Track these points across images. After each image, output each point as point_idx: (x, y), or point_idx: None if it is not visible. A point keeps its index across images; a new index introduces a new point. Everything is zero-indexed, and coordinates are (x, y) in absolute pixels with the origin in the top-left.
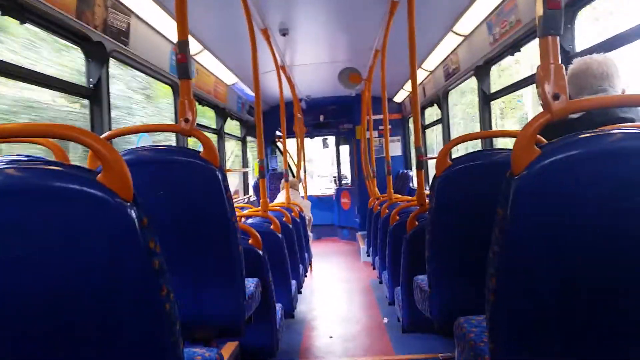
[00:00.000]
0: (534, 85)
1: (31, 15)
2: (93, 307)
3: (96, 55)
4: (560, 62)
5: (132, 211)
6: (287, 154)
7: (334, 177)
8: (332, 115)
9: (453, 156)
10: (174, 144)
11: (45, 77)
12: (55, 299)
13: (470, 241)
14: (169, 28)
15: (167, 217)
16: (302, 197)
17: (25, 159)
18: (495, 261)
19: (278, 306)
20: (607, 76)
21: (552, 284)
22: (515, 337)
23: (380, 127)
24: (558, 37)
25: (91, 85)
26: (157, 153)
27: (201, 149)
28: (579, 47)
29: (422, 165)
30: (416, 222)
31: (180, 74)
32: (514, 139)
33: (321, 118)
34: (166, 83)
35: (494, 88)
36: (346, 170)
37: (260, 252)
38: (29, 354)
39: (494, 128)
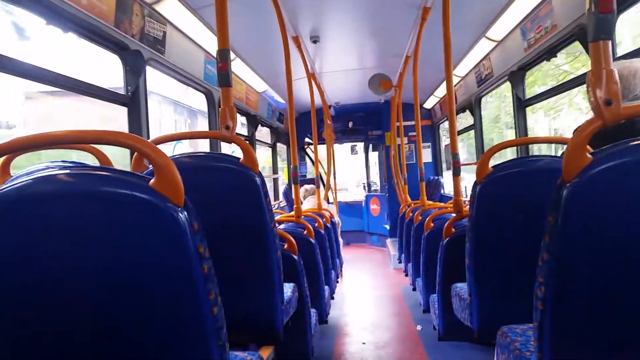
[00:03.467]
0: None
1: (72, 25)
2: (144, 309)
3: (134, 63)
4: (611, 67)
5: (183, 216)
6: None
7: (363, 183)
8: (361, 122)
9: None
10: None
11: (86, 85)
12: (107, 301)
13: (513, 248)
14: (203, 37)
15: (208, 223)
16: (332, 202)
17: (74, 165)
18: (545, 269)
19: (312, 312)
20: None
21: (606, 293)
22: (564, 347)
23: (411, 134)
24: (610, 42)
25: (129, 93)
26: (198, 159)
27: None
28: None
29: (459, 172)
30: (453, 229)
31: (221, 82)
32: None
33: (350, 125)
34: (200, 91)
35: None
36: (375, 176)
37: (296, 258)
38: (79, 351)
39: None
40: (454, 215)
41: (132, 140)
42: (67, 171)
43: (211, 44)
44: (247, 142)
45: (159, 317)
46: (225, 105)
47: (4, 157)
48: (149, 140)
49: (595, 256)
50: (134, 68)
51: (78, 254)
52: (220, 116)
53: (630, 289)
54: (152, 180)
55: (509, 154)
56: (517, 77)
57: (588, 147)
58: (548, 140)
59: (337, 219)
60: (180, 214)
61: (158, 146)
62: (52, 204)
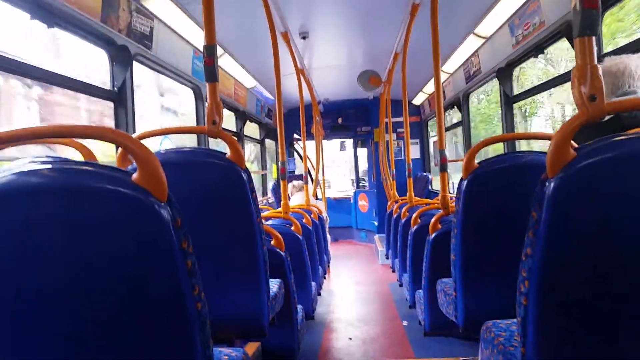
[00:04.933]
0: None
1: (58, 20)
2: (126, 305)
3: (120, 58)
4: (595, 62)
5: (166, 211)
6: (307, 157)
7: (352, 179)
8: (350, 118)
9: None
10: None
11: (71, 81)
12: (88, 296)
13: (498, 244)
14: (191, 32)
15: (192, 218)
16: (320, 199)
17: (57, 159)
18: (528, 264)
19: (299, 307)
20: None
21: (589, 288)
22: (548, 342)
23: (399, 130)
24: (594, 38)
25: (115, 88)
26: (184, 154)
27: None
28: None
29: (445, 168)
30: (439, 225)
31: (207, 77)
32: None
33: (339, 121)
34: (188, 86)
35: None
36: (363, 172)
37: (283, 254)
38: (62, 347)
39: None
40: (440, 211)
41: (114, 135)
42: (50, 166)
43: (199, 40)
44: (235, 138)
45: (141, 313)
46: (212, 100)
47: None
48: (134, 135)
49: (579, 251)
50: (120, 63)
51: (60, 249)
52: (207, 111)
53: (614, 283)
54: (134, 175)
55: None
56: (505, 73)
57: (573, 142)
58: (534, 137)
59: (325, 215)
60: (163, 209)
61: (143, 141)
62: (34, 199)
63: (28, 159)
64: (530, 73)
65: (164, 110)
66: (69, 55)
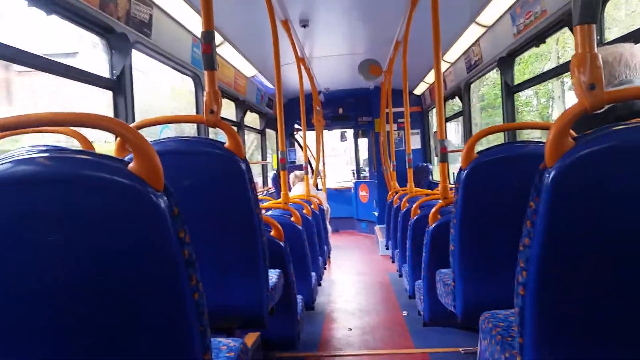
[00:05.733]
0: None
1: (56, 7)
2: (122, 294)
3: (119, 46)
4: (595, 51)
5: (163, 200)
6: (307, 147)
7: (352, 170)
8: (351, 108)
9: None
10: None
11: (69, 69)
12: (84, 285)
13: (497, 234)
14: (191, 20)
15: (191, 208)
16: (321, 189)
17: (55, 148)
18: (525, 254)
19: (299, 298)
20: (639, 68)
21: (587, 278)
22: (545, 332)
23: (400, 120)
24: (594, 26)
25: (114, 77)
26: (182, 144)
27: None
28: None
29: (445, 158)
30: (439, 216)
31: (205, 65)
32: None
33: (340, 111)
34: (188, 75)
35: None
36: (364, 163)
37: (282, 244)
38: (57, 338)
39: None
40: (440, 201)
41: (110, 123)
42: (47, 154)
43: (199, 28)
44: (235, 127)
45: (138, 302)
46: (210, 88)
47: None
48: (132, 125)
49: (577, 241)
50: (119, 51)
51: (55, 239)
52: (205, 100)
53: (612, 273)
54: (131, 164)
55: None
56: (506, 63)
57: (572, 132)
58: (533, 126)
59: (326, 205)
60: (159, 199)
61: (141, 130)
62: (29, 188)
63: (26, 148)
64: None
65: None
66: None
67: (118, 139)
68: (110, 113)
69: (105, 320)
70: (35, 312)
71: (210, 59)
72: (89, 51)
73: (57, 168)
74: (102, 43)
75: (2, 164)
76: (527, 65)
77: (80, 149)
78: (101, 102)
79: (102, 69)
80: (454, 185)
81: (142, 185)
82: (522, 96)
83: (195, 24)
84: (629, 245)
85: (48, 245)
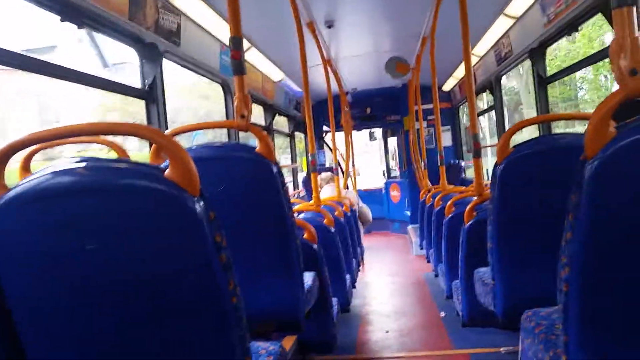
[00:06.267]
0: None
1: (87, 20)
2: (163, 300)
3: (150, 56)
4: (635, 34)
5: (199, 205)
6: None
7: (383, 170)
8: (379, 108)
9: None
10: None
11: (104, 81)
12: (125, 292)
13: (536, 230)
14: (218, 28)
15: (225, 213)
16: (351, 190)
17: (92, 158)
18: (568, 249)
19: (334, 300)
20: None
21: (632, 272)
22: (591, 329)
23: (430, 117)
24: (634, 8)
25: (146, 87)
26: (215, 150)
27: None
28: None
29: (479, 154)
30: (474, 213)
31: (235, 70)
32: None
33: (368, 111)
34: (217, 82)
35: None
36: (394, 162)
37: (315, 247)
38: (99, 345)
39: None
40: (475, 198)
41: (146, 131)
42: (84, 164)
43: (226, 35)
44: (265, 131)
45: (179, 308)
46: (240, 94)
47: (24, 155)
48: (166, 132)
49: (621, 233)
50: (150, 61)
51: (97, 248)
52: (236, 105)
53: None
54: (167, 171)
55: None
56: (537, 54)
57: (613, 121)
58: (570, 117)
59: (360, 205)
60: (196, 204)
61: (176, 137)
62: (70, 198)
63: (67, 159)
64: None
65: None
66: None
67: (153, 146)
68: (109, 114)
69: (146, 328)
70: (76, 322)
71: (239, 64)
72: (72, 45)
73: (95, 177)
74: (135, 54)
75: (43, 175)
76: None
77: (117, 157)
78: (91, 98)
79: (88, 63)
80: (488, 182)
81: (179, 191)
82: None
83: (222, 31)
84: None
85: (88, 254)
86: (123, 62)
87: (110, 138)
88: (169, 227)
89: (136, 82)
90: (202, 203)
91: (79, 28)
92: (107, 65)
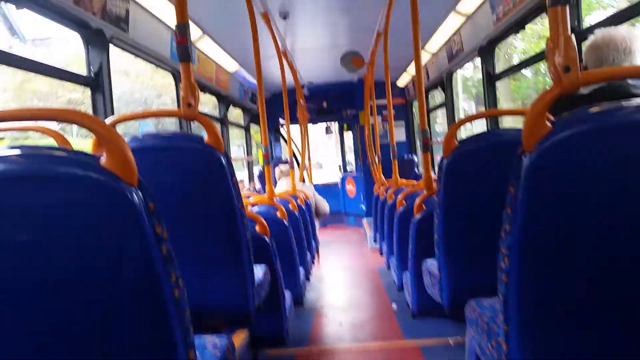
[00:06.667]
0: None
1: (28, 1)
2: (99, 293)
3: (96, 42)
4: (569, 33)
5: (137, 195)
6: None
7: (339, 164)
8: (335, 102)
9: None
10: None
11: (47, 67)
12: (59, 284)
13: (480, 222)
14: (169, 14)
15: (172, 204)
16: (308, 183)
17: (27, 146)
18: (507, 241)
19: (287, 293)
20: (630, 52)
21: (568, 263)
22: (530, 318)
23: (384, 112)
24: (567, 7)
25: (92, 74)
26: (160, 139)
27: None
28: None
29: (428, 148)
30: (423, 207)
31: (180, 56)
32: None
33: (324, 104)
34: (167, 70)
35: None
36: (350, 157)
37: (267, 240)
38: (32, 337)
39: None
40: (424, 192)
41: (79, 117)
42: (17, 151)
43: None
44: (219, 123)
45: (116, 301)
46: (186, 82)
47: None
48: (108, 120)
49: (557, 225)
50: (96, 47)
51: (29, 237)
52: (182, 94)
53: (594, 257)
54: (102, 160)
55: None
56: (486, 51)
57: (549, 116)
58: (511, 112)
59: (316, 197)
60: (133, 194)
61: (118, 126)
62: (2, 186)
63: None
64: None
65: None
66: None
67: (94, 136)
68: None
69: (82, 320)
70: (6, 314)
71: (185, 50)
72: None
73: (29, 165)
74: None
75: None
76: None
77: (56, 146)
78: None
79: None
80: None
81: (115, 180)
82: None
83: (173, 17)
84: (611, 228)
85: (20, 244)
86: (46, 37)
87: (47, 125)
88: (106, 217)
89: (64, 60)
90: (140, 193)
91: (17, 8)
92: (23, 39)
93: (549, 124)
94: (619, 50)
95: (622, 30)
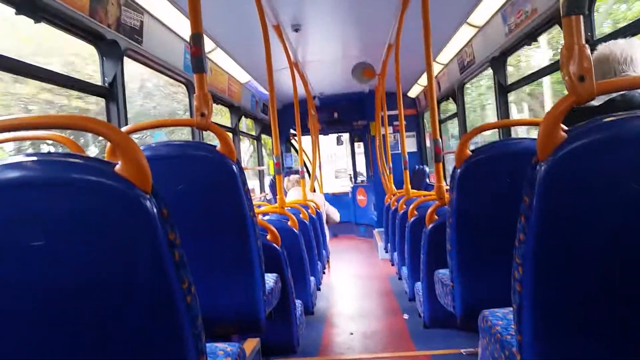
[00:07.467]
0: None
1: (44, 14)
2: (112, 298)
3: (111, 53)
4: (584, 42)
5: (151, 202)
6: (303, 152)
7: (349, 174)
8: (346, 112)
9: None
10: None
11: (63, 77)
12: (74, 290)
13: (493, 232)
14: (182, 26)
15: (184, 212)
16: (319, 192)
17: (43, 153)
18: (521, 250)
19: (297, 302)
20: (631, 61)
21: (583, 272)
22: (544, 328)
23: (395, 123)
24: (582, 17)
25: (106, 84)
26: (173, 148)
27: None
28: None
29: (440, 159)
30: (435, 216)
31: (194, 67)
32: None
33: (335, 115)
34: (180, 81)
35: None
36: (361, 167)
37: (279, 248)
38: (46, 343)
39: None
40: (436, 202)
41: (95, 125)
42: (33, 158)
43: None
44: (231, 134)
45: (129, 306)
46: (200, 92)
47: None
48: (123, 129)
49: (571, 235)
50: (111, 58)
51: (45, 244)
52: (195, 104)
53: (609, 267)
54: (117, 167)
55: None
56: (498, 62)
57: (563, 125)
58: (524, 123)
59: (327, 207)
60: (147, 201)
61: (133, 135)
62: (17, 192)
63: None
64: None
65: None
66: None
67: (108, 144)
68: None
69: (94, 325)
70: (21, 319)
71: (199, 61)
72: None
73: (44, 172)
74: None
75: None
76: None
77: (70, 152)
78: None
79: None
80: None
81: (129, 187)
82: None
83: (186, 29)
84: (627, 237)
85: (35, 250)
86: None
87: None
88: (120, 223)
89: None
90: (154, 200)
91: (35, 22)
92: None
93: (563, 134)
94: (620, 61)
95: (620, 42)
